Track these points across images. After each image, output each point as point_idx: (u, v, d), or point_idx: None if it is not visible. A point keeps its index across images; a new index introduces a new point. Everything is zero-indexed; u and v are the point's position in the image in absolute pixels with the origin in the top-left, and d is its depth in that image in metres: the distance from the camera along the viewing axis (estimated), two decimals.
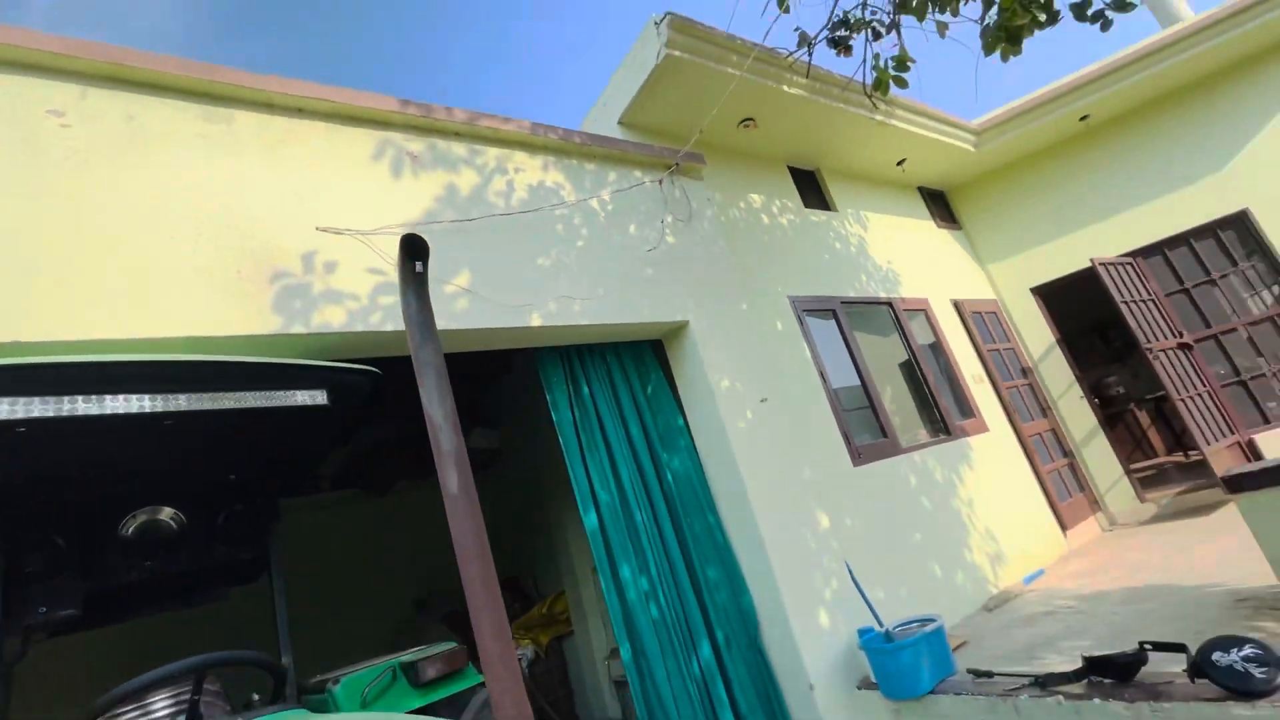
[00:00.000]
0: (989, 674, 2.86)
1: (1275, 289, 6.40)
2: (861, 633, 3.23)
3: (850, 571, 3.48)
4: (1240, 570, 3.65)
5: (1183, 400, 5.76)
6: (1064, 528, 5.79)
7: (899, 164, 6.45)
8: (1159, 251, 6.70)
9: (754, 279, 4.56)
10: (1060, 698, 2.51)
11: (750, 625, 3.19)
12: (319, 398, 2.18)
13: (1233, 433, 5.97)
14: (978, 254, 7.31)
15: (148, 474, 2.44)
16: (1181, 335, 6.29)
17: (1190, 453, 8.52)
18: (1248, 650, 2.02)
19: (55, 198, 2.13)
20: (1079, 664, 2.56)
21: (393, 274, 2.71)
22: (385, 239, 2.75)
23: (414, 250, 1.39)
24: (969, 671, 2.98)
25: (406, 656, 2.48)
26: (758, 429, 3.56)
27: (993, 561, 4.87)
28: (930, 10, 3.61)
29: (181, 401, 1.88)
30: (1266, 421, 6.20)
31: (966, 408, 5.75)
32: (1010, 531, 5.22)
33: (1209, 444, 5.69)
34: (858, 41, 3.74)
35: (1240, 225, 6.43)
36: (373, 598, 6.77)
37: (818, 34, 3.67)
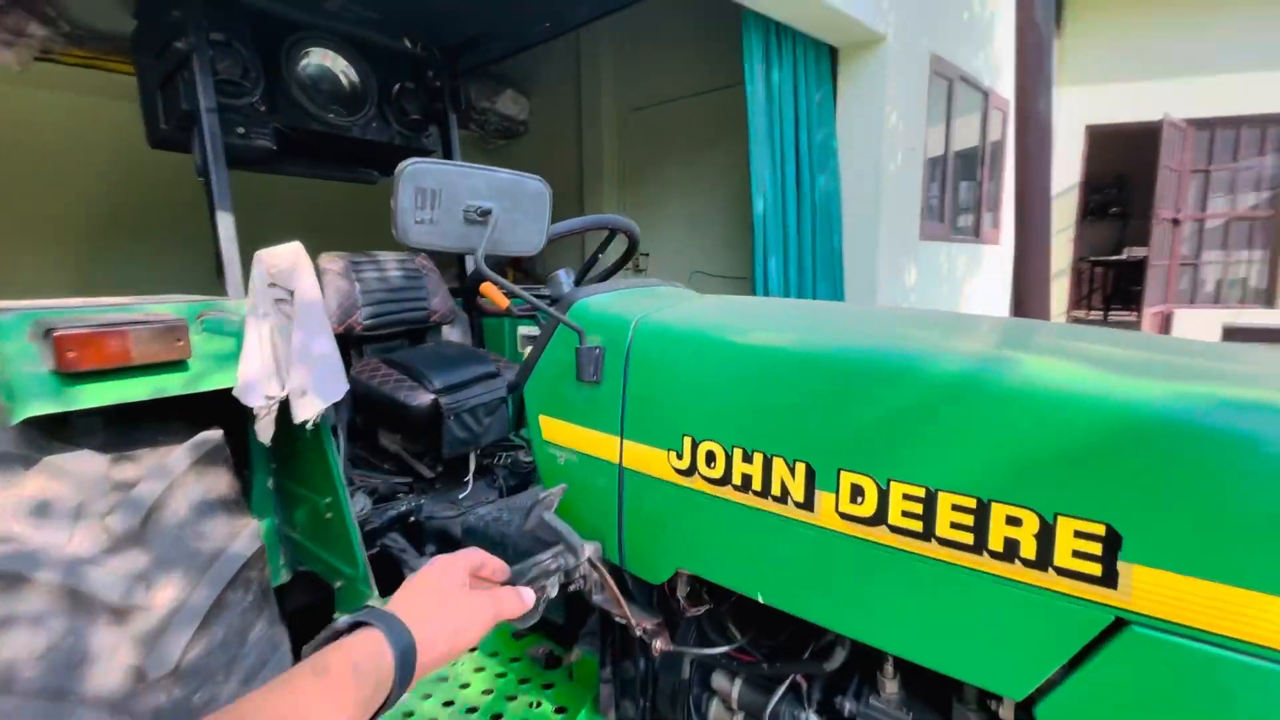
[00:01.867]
0: None
1: (1269, 191, 7.00)
2: None
3: None
4: None
5: (1157, 266, 6.56)
6: None
7: None
8: (1209, 126, 6.88)
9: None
10: None
11: None
12: None
13: (1166, 302, 7.02)
14: (1062, 70, 7.04)
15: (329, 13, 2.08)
16: (1179, 210, 6.88)
17: (1108, 313, 9.85)
18: None
19: None
20: None
21: None
22: None
23: None
24: None
25: None
26: (899, 173, 3.59)
27: None
28: None
29: None
30: (1191, 302, 7.30)
31: (997, 217, 6.11)
32: None
33: (1149, 307, 6.69)
34: None
35: None
36: None
37: None
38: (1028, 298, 1.71)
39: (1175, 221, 6.85)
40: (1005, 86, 5.78)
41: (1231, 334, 3.82)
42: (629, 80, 5.63)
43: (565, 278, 1.52)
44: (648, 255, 5.56)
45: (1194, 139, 6.78)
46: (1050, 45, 1.19)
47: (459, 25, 2.20)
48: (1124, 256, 9.51)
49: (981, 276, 5.93)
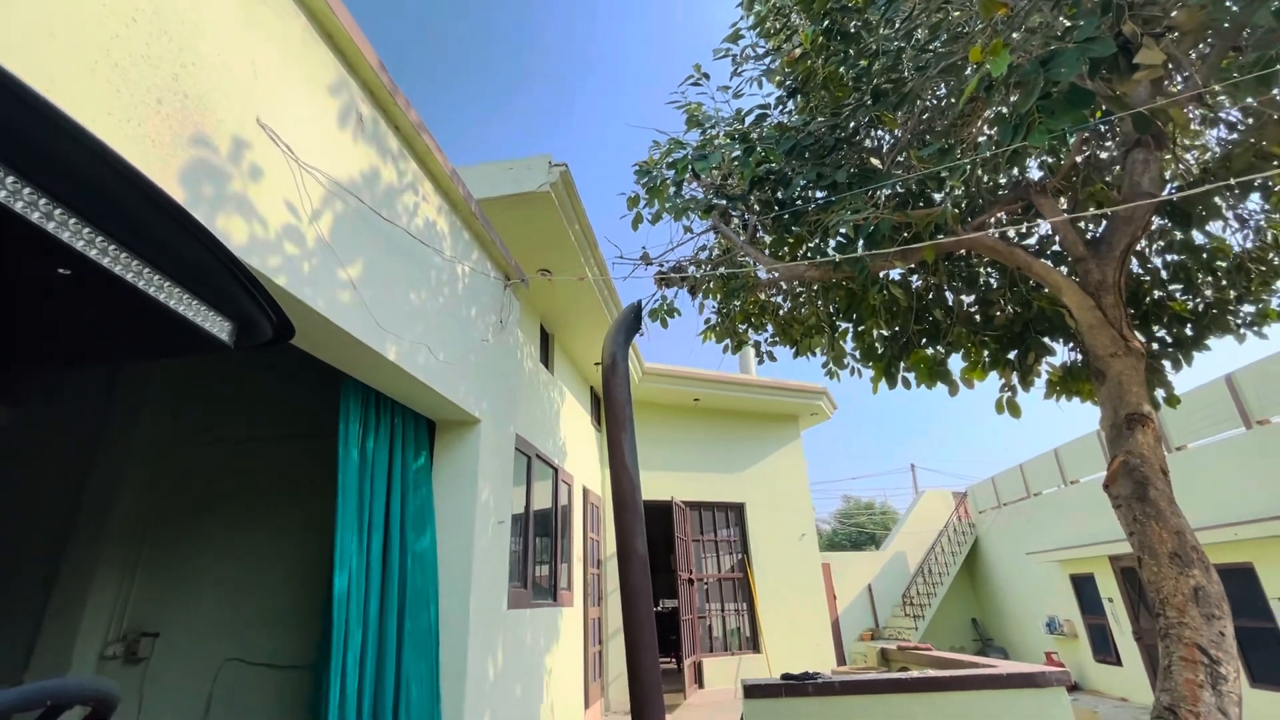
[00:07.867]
0: None
1: (738, 556, 9.61)
2: None
3: None
4: None
5: (686, 620, 7.85)
6: (586, 706, 6.76)
7: (596, 364, 7.82)
8: (698, 508, 9.44)
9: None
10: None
11: None
12: (225, 330, 1.58)
13: (695, 653, 8.27)
14: (603, 458, 8.93)
15: None
16: (692, 572, 8.73)
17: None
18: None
19: None
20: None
21: (306, 225, 2.19)
22: (311, 184, 2.25)
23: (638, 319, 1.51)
24: None
25: None
26: (490, 546, 3.59)
27: None
28: (703, 298, 5.20)
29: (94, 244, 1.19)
30: (710, 650, 8.81)
31: (569, 579, 6.59)
32: (559, 704, 5.87)
33: (686, 657, 7.76)
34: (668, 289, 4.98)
35: (739, 510, 9.71)
36: None
37: (660, 257, 4.75)
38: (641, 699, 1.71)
39: (690, 580, 8.61)
40: (568, 464, 6.94)
41: (751, 691, 4.51)
42: (185, 405, 4.74)
43: None
44: (156, 636, 3.95)
45: (688, 514, 9.11)
46: (639, 489, 1.47)
47: None
48: (660, 608, 11.24)
49: (561, 641, 6.04)
